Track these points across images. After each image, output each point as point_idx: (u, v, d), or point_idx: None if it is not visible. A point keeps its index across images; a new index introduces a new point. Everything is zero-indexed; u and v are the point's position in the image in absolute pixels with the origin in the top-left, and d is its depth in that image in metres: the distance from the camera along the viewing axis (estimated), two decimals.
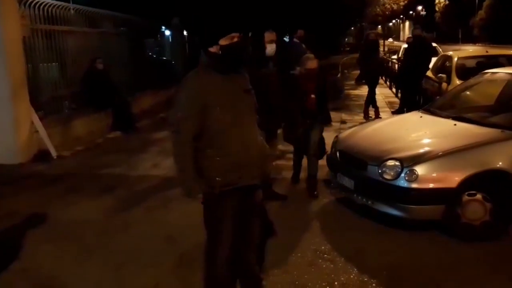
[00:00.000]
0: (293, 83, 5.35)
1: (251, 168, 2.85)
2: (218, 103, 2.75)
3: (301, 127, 5.30)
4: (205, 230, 2.95)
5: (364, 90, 12.04)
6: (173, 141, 2.86)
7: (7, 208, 5.20)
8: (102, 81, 9.09)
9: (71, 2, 9.11)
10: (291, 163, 5.90)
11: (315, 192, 5.34)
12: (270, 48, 4.76)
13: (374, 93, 10.15)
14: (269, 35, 4.87)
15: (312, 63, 5.27)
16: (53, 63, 8.71)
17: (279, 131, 5.28)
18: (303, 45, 9.35)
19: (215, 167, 2.80)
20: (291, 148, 7.22)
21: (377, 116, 9.83)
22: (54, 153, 7.31)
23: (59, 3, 8.51)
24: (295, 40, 9.43)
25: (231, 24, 2.87)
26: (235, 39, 2.80)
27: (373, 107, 10.06)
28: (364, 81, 12.18)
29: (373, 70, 10.16)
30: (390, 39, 63.34)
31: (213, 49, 2.81)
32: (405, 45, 13.60)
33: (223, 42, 2.79)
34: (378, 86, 10.56)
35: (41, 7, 7.89)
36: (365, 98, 10.42)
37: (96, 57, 9.30)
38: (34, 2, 7.70)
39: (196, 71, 2.89)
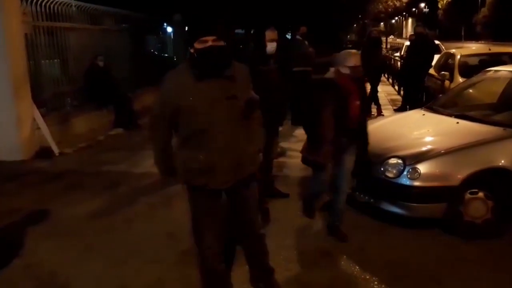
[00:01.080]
0: (329, 88, 3.98)
1: (219, 175, 2.81)
2: (190, 107, 2.69)
3: (332, 148, 3.92)
4: None
5: (366, 88, 12.02)
6: (148, 137, 3.01)
7: (10, 205, 5.21)
8: (103, 78, 9.10)
9: None
10: (293, 160, 5.86)
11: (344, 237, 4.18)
12: (270, 47, 4.74)
13: (377, 91, 10.13)
14: (269, 34, 4.84)
15: (356, 59, 3.98)
16: (55, 60, 8.72)
17: (280, 128, 5.26)
18: (306, 42, 9.34)
19: (185, 168, 2.86)
20: (293, 145, 7.23)
21: (379, 113, 9.81)
22: (56, 150, 7.31)
23: (60, 0, 8.51)
24: (297, 37, 9.41)
25: (204, 25, 2.68)
26: (209, 43, 2.65)
27: (375, 104, 10.03)
28: (366, 78, 12.14)
29: (375, 68, 10.13)
30: (392, 36, 63.14)
31: (192, 51, 2.72)
32: (408, 43, 13.55)
33: (197, 45, 2.67)
34: (380, 83, 10.53)
35: (43, 4, 7.88)
36: None
37: (97, 54, 9.31)
38: None
39: (175, 71, 2.83)
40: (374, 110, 10.00)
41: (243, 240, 3.27)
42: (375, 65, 10.11)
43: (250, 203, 3.08)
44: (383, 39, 23.10)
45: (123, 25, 11.43)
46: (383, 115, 9.56)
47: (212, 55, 2.64)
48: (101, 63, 9.23)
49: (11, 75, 6.93)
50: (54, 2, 8.21)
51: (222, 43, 2.69)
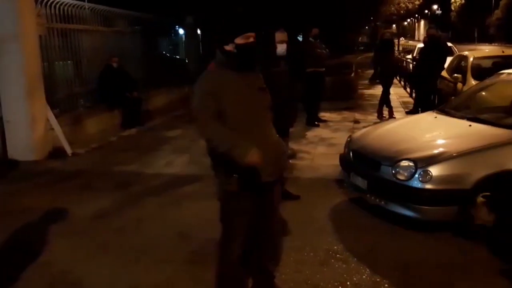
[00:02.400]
0: None
1: (267, 166, 2.86)
2: (232, 100, 2.78)
3: None
4: (221, 225, 3.00)
5: (378, 90, 11.99)
6: (199, 130, 2.86)
7: (23, 204, 5.28)
8: (117, 80, 9.21)
9: (86, 1, 9.20)
10: (303, 162, 5.86)
11: None
12: (280, 48, 4.74)
13: (388, 93, 10.09)
14: (279, 35, 4.84)
15: None
16: (68, 61, 8.82)
17: (291, 130, 5.26)
18: (318, 43, 9.34)
19: (231, 164, 2.81)
20: (303, 147, 7.24)
21: (391, 116, 9.77)
22: (69, 151, 7.39)
23: (74, 2, 8.62)
24: (310, 39, 9.43)
25: (247, 23, 2.89)
26: (251, 39, 2.84)
27: (387, 107, 10.00)
28: (378, 80, 12.11)
29: (387, 70, 10.11)
30: (402, 38, 62.75)
31: (228, 47, 2.85)
32: (421, 45, 13.47)
33: (238, 41, 2.82)
34: (392, 85, 10.50)
35: (57, 6, 7.99)
36: (379, 98, 10.36)
37: (112, 55, 9.41)
38: (50, 1, 7.81)
39: (209, 69, 2.93)
40: (385, 113, 9.98)
41: (258, 244, 3.19)
42: (387, 67, 10.09)
43: (276, 208, 3.11)
44: (395, 41, 22.98)
45: (136, 27, 11.52)
46: (394, 117, 9.52)
47: (253, 49, 2.87)
48: (115, 65, 9.36)
49: (26, 76, 7.02)
50: (68, 4, 8.31)
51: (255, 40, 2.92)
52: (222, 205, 2.98)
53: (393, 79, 10.82)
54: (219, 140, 2.79)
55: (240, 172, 2.79)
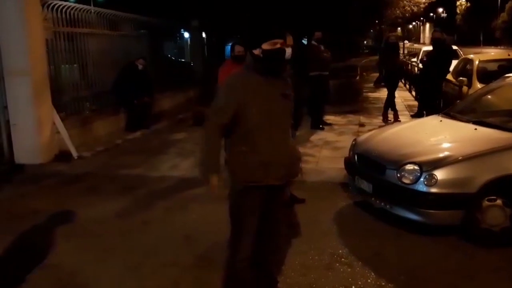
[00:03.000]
0: None
1: (278, 169, 2.94)
2: (254, 102, 2.87)
3: None
4: (229, 225, 3.04)
5: (383, 93, 11.98)
6: (204, 127, 2.98)
7: (30, 207, 5.31)
8: (137, 81, 9.35)
9: (92, 5, 9.26)
10: (309, 165, 5.87)
11: None
12: (287, 53, 4.73)
13: (394, 96, 10.09)
14: (287, 39, 4.84)
15: None
16: (75, 65, 8.87)
17: (297, 133, 5.28)
18: (322, 47, 9.35)
19: (242, 163, 2.92)
20: (308, 150, 7.24)
21: (396, 119, 9.75)
22: (74, 154, 7.43)
23: (81, 6, 8.69)
24: (313, 42, 9.44)
25: (275, 29, 2.97)
26: (278, 45, 2.91)
27: (392, 110, 9.99)
28: (383, 84, 12.10)
29: (392, 73, 10.10)
30: (405, 41, 62.55)
31: (256, 51, 2.93)
32: (426, 48, 13.43)
33: (265, 46, 2.90)
34: (397, 89, 10.49)
35: (64, 10, 8.04)
36: (384, 101, 10.36)
37: (141, 57, 9.76)
38: (57, 5, 7.86)
39: (238, 71, 3.05)
40: (391, 116, 9.97)
41: (260, 247, 3.20)
42: (392, 70, 10.08)
43: (280, 211, 3.15)
44: (400, 44, 22.97)
45: (142, 30, 11.57)
46: (399, 120, 9.50)
47: (280, 55, 2.95)
48: (140, 66, 9.61)
49: (32, 80, 7.07)
50: (74, 8, 8.36)
51: (285, 46, 3.01)
52: (230, 201, 3.04)
53: (398, 82, 10.81)
54: (205, 148, 2.97)
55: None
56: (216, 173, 2.92)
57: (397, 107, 10.24)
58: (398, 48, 10.85)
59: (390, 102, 10.03)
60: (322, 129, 9.19)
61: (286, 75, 3.08)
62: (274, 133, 2.93)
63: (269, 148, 2.90)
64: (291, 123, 3.12)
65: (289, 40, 4.94)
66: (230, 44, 6.17)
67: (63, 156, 7.35)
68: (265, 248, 3.14)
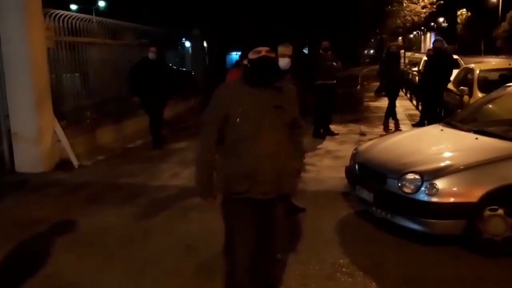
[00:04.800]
0: None
1: (262, 183, 2.84)
2: (239, 113, 2.80)
3: None
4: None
5: (384, 102, 11.99)
6: (197, 143, 3.00)
7: (31, 216, 5.30)
8: (152, 72, 8.30)
9: (94, 14, 9.31)
10: (310, 175, 5.86)
11: None
12: (282, 62, 4.66)
13: (394, 105, 10.10)
14: (282, 49, 4.77)
15: None
16: (76, 74, 8.91)
17: None
18: (330, 56, 9.37)
19: (226, 175, 2.90)
20: (309, 159, 7.23)
21: (397, 128, 9.76)
22: (75, 162, 7.43)
23: (82, 15, 8.75)
24: (320, 51, 9.48)
25: (256, 37, 2.90)
26: (262, 53, 2.82)
27: (393, 119, 10.00)
28: (384, 93, 12.12)
29: (393, 82, 10.12)
30: (402, 50, 62.66)
31: (245, 62, 2.91)
32: (425, 58, 13.48)
33: (251, 55, 2.86)
34: (398, 98, 10.50)
35: (65, 19, 8.11)
36: (385, 110, 10.37)
37: (150, 44, 8.86)
38: (59, 14, 7.92)
39: (228, 82, 3.09)
40: (392, 125, 9.97)
41: (257, 259, 3.13)
42: (393, 80, 10.10)
43: (277, 225, 3.06)
44: (401, 53, 23.02)
45: (143, 40, 11.63)
46: (401, 130, 9.51)
47: (264, 64, 2.83)
48: (151, 55, 8.46)
49: (34, 89, 7.09)
50: (76, 18, 8.42)
51: (273, 54, 2.90)
52: (221, 210, 3.02)
53: (399, 92, 10.83)
54: (196, 171, 2.98)
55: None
56: (210, 195, 2.95)
57: (398, 116, 10.24)
58: (399, 57, 10.90)
59: (391, 111, 10.04)
60: (324, 138, 9.19)
61: (285, 85, 2.97)
62: (263, 146, 2.81)
63: (254, 161, 2.81)
64: (289, 135, 2.98)
65: (287, 50, 4.91)
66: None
67: (64, 164, 7.35)
68: (263, 262, 3.11)
